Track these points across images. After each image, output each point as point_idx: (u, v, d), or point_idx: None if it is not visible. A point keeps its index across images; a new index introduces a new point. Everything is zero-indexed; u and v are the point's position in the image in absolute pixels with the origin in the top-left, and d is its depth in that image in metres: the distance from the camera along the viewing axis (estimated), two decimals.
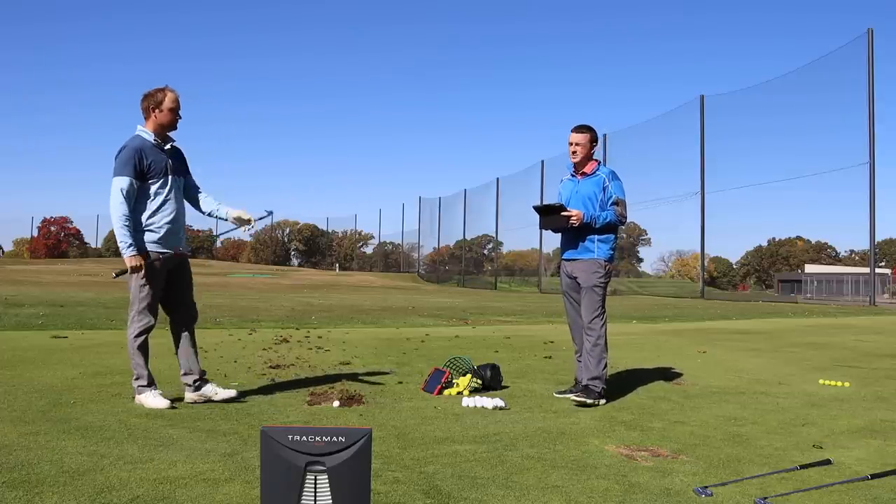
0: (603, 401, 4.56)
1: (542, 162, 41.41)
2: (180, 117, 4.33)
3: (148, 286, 4.22)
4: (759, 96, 29.14)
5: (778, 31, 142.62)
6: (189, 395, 4.31)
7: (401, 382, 5.26)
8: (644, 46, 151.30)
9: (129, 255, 4.12)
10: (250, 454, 3.12)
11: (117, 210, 4.12)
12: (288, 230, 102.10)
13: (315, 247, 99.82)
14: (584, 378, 4.68)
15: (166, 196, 4.27)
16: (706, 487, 2.77)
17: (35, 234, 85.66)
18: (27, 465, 2.90)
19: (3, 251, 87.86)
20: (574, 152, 4.84)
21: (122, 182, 4.12)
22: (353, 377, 5.47)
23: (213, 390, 4.33)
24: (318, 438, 1.99)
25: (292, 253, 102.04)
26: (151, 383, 4.23)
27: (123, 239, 4.13)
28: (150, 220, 4.23)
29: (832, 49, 26.34)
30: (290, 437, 2.00)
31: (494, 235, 52.45)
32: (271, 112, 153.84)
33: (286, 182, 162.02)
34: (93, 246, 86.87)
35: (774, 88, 28.53)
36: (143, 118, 4.29)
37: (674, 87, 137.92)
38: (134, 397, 4.25)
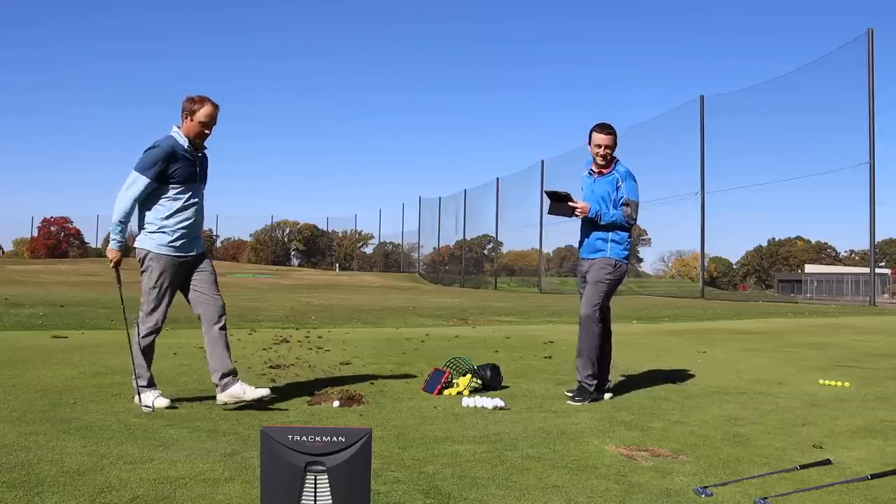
0: (596, 395, 4.62)
1: (542, 162, 41.44)
2: (209, 132, 4.24)
3: (158, 287, 4.19)
4: (759, 96, 29.19)
5: (778, 31, 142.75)
6: (219, 397, 4.17)
7: (401, 382, 5.26)
8: (644, 46, 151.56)
9: (111, 248, 4.17)
10: (250, 454, 3.12)
11: (123, 204, 4.08)
12: (288, 230, 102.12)
13: (315, 247, 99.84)
14: (578, 375, 4.72)
15: (187, 202, 4.21)
16: (706, 487, 2.77)
17: (35, 234, 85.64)
18: (27, 465, 2.90)
19: (3, 251, 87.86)
20: (603, 155, 4.77)
21: (140, 181, 4.08)
22: (353, 377, 5.46)
23: (241, 389, 4.15)
24: (318, 438, 1.99)
25: (292, 253, 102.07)
26: (152, 384, 4.22)
27: (115, 236, 4.15)
28: (164, 223, 4.18)
29: (832, 49, 26.36)
30: (290, 437, 2.00)
31: (494, 235, 52.52)
32: (271, 112, 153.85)
33: (286, 182, 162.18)
34: (93, 246, 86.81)
35: (774, 88, 28.58)
36: (180, 118, 4.23)
37: (674, 87, 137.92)
38: (134, 397, 4.24)
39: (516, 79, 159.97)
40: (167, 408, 4.10)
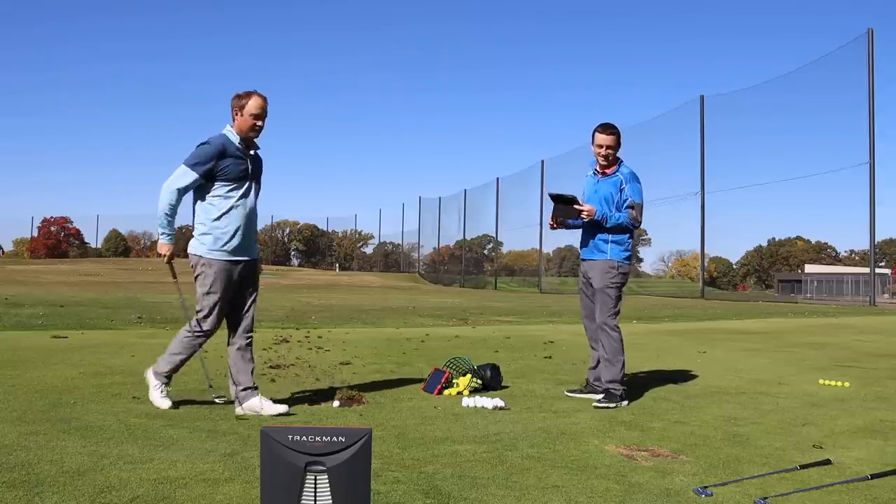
0: (625, 402, 4.53)
1: (542, 162, 41.50)
2: (262, 124, 4.16)
3: (213, 293, 4.09)
4: (759, 96, 29.27)
5: (778, 31, 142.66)
6: (236, 410, 4.10)
7: (401, 382, 5.26)
8: (644, 47, 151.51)
9: (162, 242, 4.13)
10: (250, 454, 3.12)
11: (168, 196, 4.01)
12: (288, 230, 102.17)
13: (315, 247, 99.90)
14: (602, 381, 4.66)
15: (237, 202, 4.11)
16: (706, 487, 2.77)
17: (35, 234, 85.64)
18: (27, 465, 2.89)
19: (3, 251, 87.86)
20: (605, 156, 4.77)
21: (187, 175, 4.02)
22: (353, 377, 5.47)
23: (259, 404, 4.06)
24: (318, 438, 1.99)
25: (292, 253, 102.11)
26: (167, 381, 4.19)
27: (163, 230, 4.09)
28: (215, 224, 4.09)
29: (832, 49, 26.38)
30: (290, 437, 2.00)
31: (494, 235, 52.57)
32: (271, 112, 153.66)
33: (286, 182, 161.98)
34: (93, 246, 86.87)
35: (774, 88, 28.67)
36: (231, 117, 4.17)
37: (674, 87, 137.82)
38: (146, 375, 4.20)
39: (516, 79, 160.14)
40: (168, 408, 4.09)
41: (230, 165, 4.07)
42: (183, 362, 4.21)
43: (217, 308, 4.11)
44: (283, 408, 4.07)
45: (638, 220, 4.77)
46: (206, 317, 4.11)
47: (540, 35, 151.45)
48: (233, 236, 4.10)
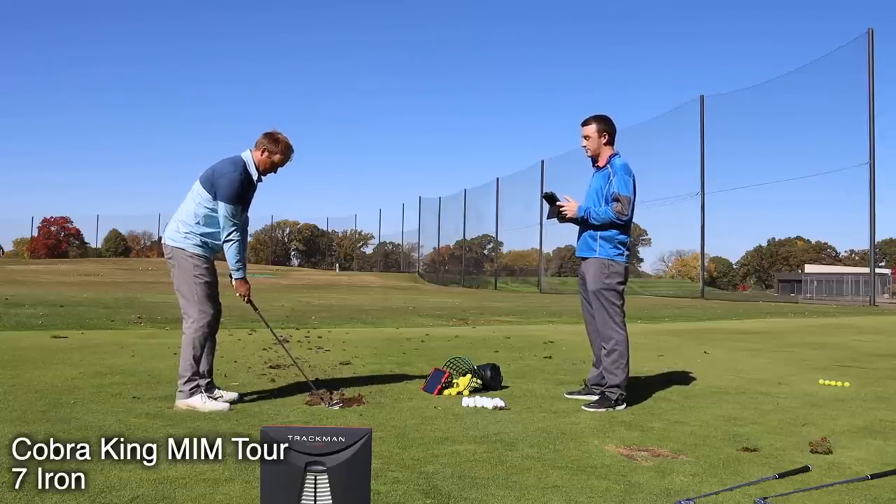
0: (621, 407, 4.43)
1: (542, 162, 41.50)
2: (275, 171, 4.49)
3: (198, 275, 4.29)
4: (759, 97, 29.26)
5: (778, 32, 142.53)
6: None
7: (401, 382, 5.26)
8: (644, 48, 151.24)
9: (240, 282, 4.36)
10: None
11: (237, 245, 4.29)
12: (288, 230, 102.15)
13: (315, 247, 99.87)
14: (602, 385, 4.58)
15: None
16: (690, 500, 2.66)
17: (35, 234, 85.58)
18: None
19: (3, 251, 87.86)
20: (584, 146, 4.74)
21: (235, 212, 4.26)
22: (353, 377, 5.47)
23: (218, 394, 4.39)
24: (318, 438, 1.99)
25: (292, 253, 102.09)
26: (196, 385, 4.23)
27: (238, 265, 4.33)
28: (205, 232, 4.31)
29: (832, 49, 26.39)
30: (290, 437, 2.00)
31: (494, 235, 52.61)
32: (271, 113, 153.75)
33: (286, 182, 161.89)
34: (93, 246, 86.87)
35: (775, 89, 28.66)
36: (253, 144, 4.40)
37: (674, 88, 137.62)
38: (180, 406, 4.17)
39: (516, 80, 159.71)
40: (227, 409, 4.12)
41: (245, 195, 4.34)
42: (197, 358, 4.25)
43: (209, 290, 4.31)
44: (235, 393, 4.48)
45: (624, 214, 4.52)
46: (201, 301, 4.27)
47: (540, 37, 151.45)
48: (214, 246, 4.36)
